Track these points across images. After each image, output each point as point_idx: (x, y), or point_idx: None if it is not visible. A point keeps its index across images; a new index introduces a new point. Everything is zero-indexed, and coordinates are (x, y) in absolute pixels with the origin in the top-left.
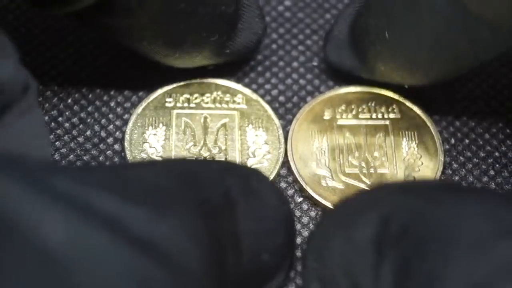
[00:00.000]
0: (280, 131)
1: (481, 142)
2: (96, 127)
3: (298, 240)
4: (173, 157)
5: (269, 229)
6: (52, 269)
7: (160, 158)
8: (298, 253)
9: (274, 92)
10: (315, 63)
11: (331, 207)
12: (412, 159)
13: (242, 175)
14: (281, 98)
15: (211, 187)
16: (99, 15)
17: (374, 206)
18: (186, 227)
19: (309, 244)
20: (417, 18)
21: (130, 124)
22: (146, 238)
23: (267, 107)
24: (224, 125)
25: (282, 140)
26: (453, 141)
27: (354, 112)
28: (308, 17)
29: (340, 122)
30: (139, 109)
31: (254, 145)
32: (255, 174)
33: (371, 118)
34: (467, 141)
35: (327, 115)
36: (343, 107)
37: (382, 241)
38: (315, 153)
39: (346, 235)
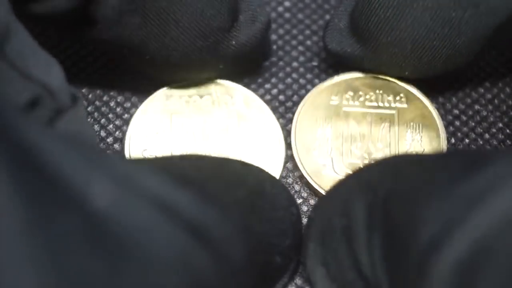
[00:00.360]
0: (280, 131)
1: (481, 142)
2: (96, 127)
3: None
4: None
5: (280, 230)
6: (96, 229)
7: None
8: None
9: (274, 91)
10: (315, 63)
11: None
12: (415, 152)
13: (258, 176)
14: (281, 97)
15: (239, 187)
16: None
17: (364, 182)
18: (231, 220)
19: (309, 229)
20: None
21: (128, 132)
22: (195, 221)
23: (266, 107)
24: (224, 127)
25: (283, 142)
26: (453, 141)
27: (361, 99)
28: (308, 18)
29: (346, 109)
30: (138, 114)
31: (254, 148)
32: (268, 176)
33: (377, 107)
34: (467, 141)
35: (334, 101)
36: (350, 93)
37: (372, 210)
38: (318, 140)
39: (344, 214)
